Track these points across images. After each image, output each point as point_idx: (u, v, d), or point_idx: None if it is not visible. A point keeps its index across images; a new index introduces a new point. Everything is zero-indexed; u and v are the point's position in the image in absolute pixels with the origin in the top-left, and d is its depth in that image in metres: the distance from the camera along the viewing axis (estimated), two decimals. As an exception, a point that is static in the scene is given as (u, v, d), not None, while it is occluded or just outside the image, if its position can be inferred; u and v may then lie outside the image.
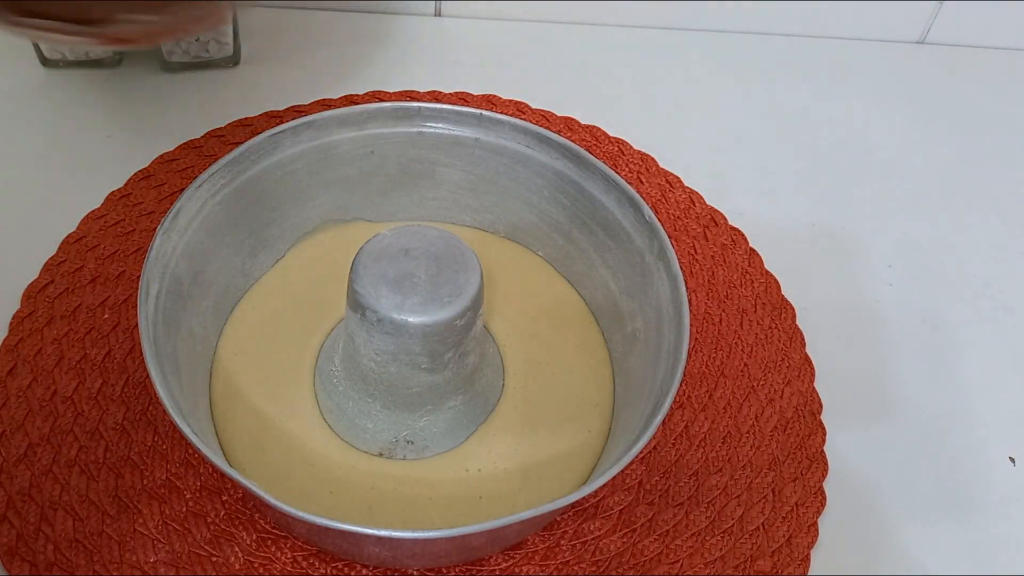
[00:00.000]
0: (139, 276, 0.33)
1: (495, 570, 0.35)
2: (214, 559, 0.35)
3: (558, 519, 0.37)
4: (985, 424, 0.42)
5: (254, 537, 0.35)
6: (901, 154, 0.54)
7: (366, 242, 0.35)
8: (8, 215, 0.45)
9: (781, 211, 0.49)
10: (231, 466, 0.31)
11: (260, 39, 0.55)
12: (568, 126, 0.52)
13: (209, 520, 0.35)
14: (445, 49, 0.57)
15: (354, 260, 0.34)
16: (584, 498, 0.36)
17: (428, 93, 0.52)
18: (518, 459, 0.37)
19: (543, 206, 0.42)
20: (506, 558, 0.35)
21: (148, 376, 0.31)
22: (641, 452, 0.31)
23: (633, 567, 0.36)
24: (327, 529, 0.28)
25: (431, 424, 0.37)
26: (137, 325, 0.32)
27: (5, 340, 0.40)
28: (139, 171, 0.47)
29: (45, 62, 0.52)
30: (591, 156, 0.39)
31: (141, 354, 0.32)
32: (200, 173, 0.37)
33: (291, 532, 0.35)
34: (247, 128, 0.50)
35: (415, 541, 0.29)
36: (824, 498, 0.38)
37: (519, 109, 0.53)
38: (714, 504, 0.37)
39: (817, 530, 0.37)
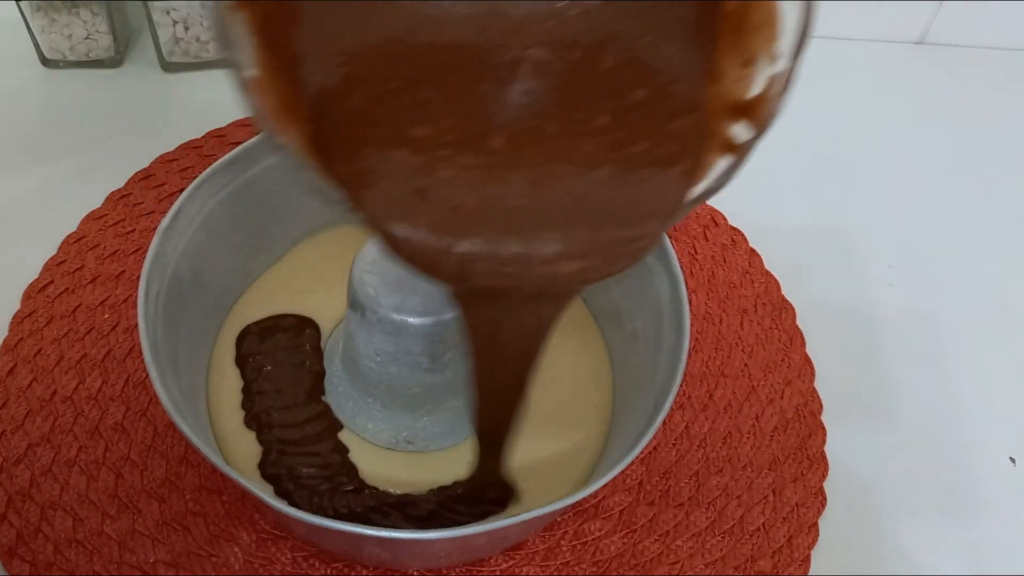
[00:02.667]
0: (139, 276, 0.33)
1: (496, 571, 0.35)
2: (214, 559, 0.34)
3: (558, 519, 0.37)
4: (985, 424, 0.42)
5: (254, 537, 0.35)
6: (901, 154, 0.54)
7: (366, 242, 0.35)
8: (8, 215, 0.45)
9: (781, 211, 0.49)
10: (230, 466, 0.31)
11: (260, 39, 0.55)
12: (568, 126, 0.52)
13: (209, 520, 0.35)
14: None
15: (354, 260, 0.34)
16: (584, 499, 0.35)
17: (428, 93, 0.52)
18: (518, 459, 0.37)
19: (543, 206, 0.42)
20: (507, 558, 0.35)
21: (148, 376, 0.31)
22: (641, 453, 0.31)
23: (633, 568, 0.36)
24: (326, 529, 0.28)
25: (431, 424, 0.37)
26: (137, 325, 0.32)
27: (5, 340, 0.40)
28: (139, 171, 0.47)
29: (45, 62, 0.52)
30: (591, 156, 0.39)
31: (141, 354, 0.32)
32: (200, 173, 0.37)
33: (291, 532, 0.35)
34: (247, 128, 0.50)
35: (415, 542, 0.29)
36: (824, 498, 0.38)
37: (519, 109, 0.53)
38: (714, 505, 0.37)
39: (818, 530, 0.37)
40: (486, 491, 0.34)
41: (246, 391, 0.38)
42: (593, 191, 0.24)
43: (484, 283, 0.24)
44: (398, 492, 0.35)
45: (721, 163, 0.26)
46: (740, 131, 0.25)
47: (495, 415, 0.30)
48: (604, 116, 0.24)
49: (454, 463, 0.36)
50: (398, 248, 0.24)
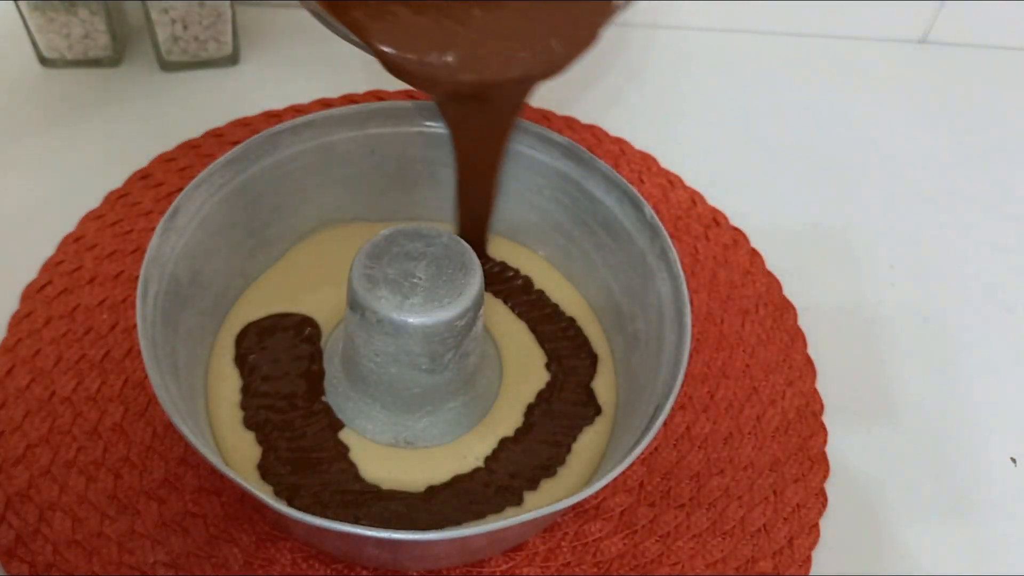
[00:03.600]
0: (137, 276, 0.33)
1: (496, 571, 0.35)
2: (213, 560, 0.34)
3: (559, 520, 0.37)
4: (986, 424, 0.41)
5: (253, 538, 0.35)
6: (903, 154, 0.53)
7: (366, 242, 0.34)
8: (6, 215, 0.45)
9: (783, 211, 0.49)
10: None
11: (259, 38, 0.55)
12: (569, 125, 0.52)
13: (208, 521, 0.35)
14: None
15: (354, 260, 0.34)
16: (585, 499, 0.35)
17: (428, 92, 0.52)
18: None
19: (544, 206, 0.42)
20: (507, 559, 0.35)
21: (147, 376, 0.31)
22: (642, 453, 0.30)
23: (634, 568, 0.35)
24: (326, 530, 0.28)
25: (431, 425, 0.36)
26: (136, 325, 0.32)
27: (3, 340, 0.40)
28: (138, 171, 0.47)
29: (43, 61, 0.52)
30: (592, 155, 0.39)
31: (140, 354, 0.32)
32: (199, 173, 0.37)
33: (290, 533, 0.35)
34: (246, 127, 0.50)
35: (415, 543, 0.29)
36: (825, 499, 0.38)
37: (519, 108, 0.52)
38: (715, 505, 0.37)
39: (819, 531, 0.37)
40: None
41: (245, 391, 0.38)
42: (541, 17, 0.35)
43: (471, 86, 0.35)
44: (399, 492, 0.35)
45: None
46: None
47: (474, 201, 0.41)
48: None
49: (455, 461, 0.36)
50: (403, 70, 0.35)
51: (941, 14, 0.58)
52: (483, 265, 0.38)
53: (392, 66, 0.35)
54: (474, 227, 0.42)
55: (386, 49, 0.34)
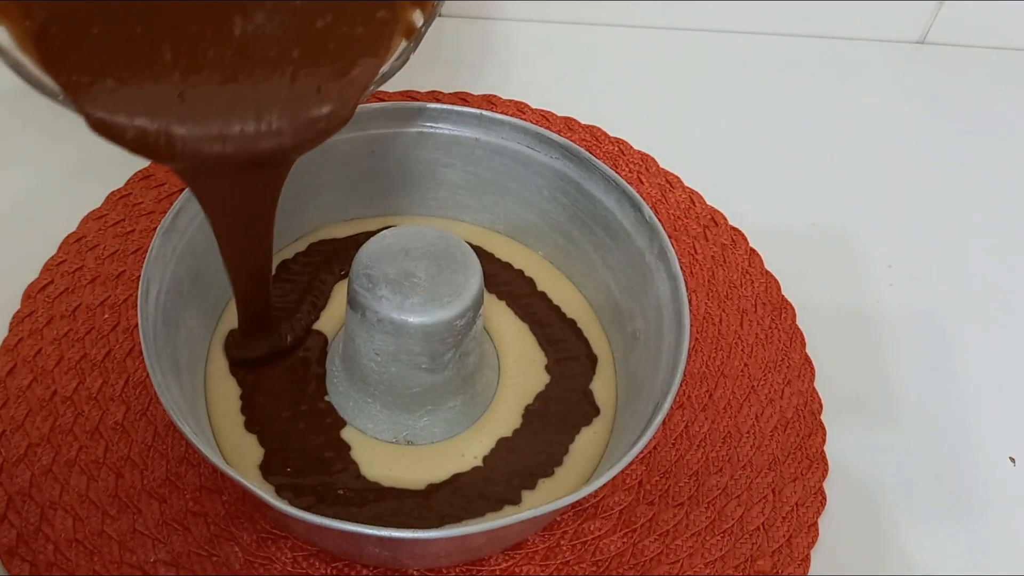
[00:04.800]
0: (139, 276, 0.33)
1: (495, 570, 0.35)
2: (214, 559, 0.35)
3: (558, 519, 0.37)
4: (985, 424, 0.42)
5: (254, 537, 0.35)
6: (901, 154, 0.54)
7: (366, 242, 0.35)
8: (8, 215, 0.45)
9: (781, 211, 0.49)
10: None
11: (260, 39, 0.55)
12: (568, 126, 0.52)
13: (209, 520, 0.35)
14: (445, 49, 0.57)
15: (354, 260, 0.34)
16: (584, 498, 0.36)
17: (428, 93, 0.52)
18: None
19: (543, 206, 0.42)
20: (506, 558, 0.35)
21: (148, 376, 0.31)
22: (641, 452, 0.31)
23: (633, 567, 0.36)
24: (326, 529, 0.28)
25: (431, 424, 0.37)
26: (137, 325, 0.32)
27: (5, 340, 0.40)
28: (139, 171, 0.47)
29: (45, 62, 0.52)
30: (591, 156, 0.39)
31: (141, 354, 0.32)
32: (200, 173, 0.37)
33: (291, 532, 0.35)
34: (247, 128, 0.50)
35: (415, 541, 0.29)
36: (824, 498, 0.38)
37: (519, 109, 0.53)
38: (714, 504, 0.37)
39: (817, 530, 0.37)
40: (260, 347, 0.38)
41: (246, 391, 0.38)
42: (293, 86, 0.30)
43: (215, 156, 0.29)
44: (399, 490, 0.35)
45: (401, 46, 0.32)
46: (418, 18, 0.33)
47: (246, 279, 0.36)
48: (295, 48, 0.30)
49: (455, 459, 0.36)
50: (122, 136, 0.31)
51: (940, 15, 0.58)
52: (485, 267, 0.37)
53: (122, 138, 0.31)
54: (255, 314, 0.37)
55: (109, 118, 0.31)
